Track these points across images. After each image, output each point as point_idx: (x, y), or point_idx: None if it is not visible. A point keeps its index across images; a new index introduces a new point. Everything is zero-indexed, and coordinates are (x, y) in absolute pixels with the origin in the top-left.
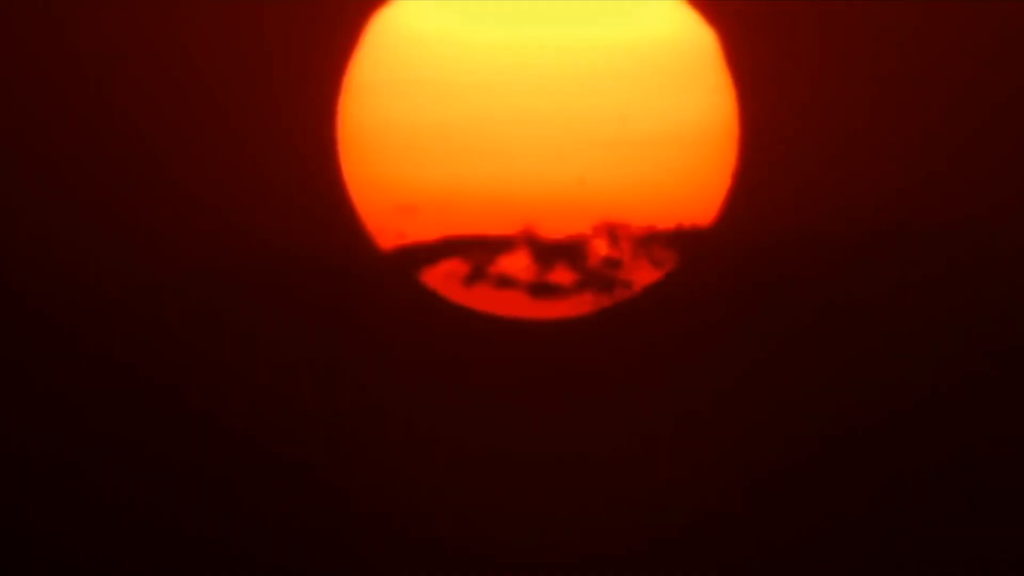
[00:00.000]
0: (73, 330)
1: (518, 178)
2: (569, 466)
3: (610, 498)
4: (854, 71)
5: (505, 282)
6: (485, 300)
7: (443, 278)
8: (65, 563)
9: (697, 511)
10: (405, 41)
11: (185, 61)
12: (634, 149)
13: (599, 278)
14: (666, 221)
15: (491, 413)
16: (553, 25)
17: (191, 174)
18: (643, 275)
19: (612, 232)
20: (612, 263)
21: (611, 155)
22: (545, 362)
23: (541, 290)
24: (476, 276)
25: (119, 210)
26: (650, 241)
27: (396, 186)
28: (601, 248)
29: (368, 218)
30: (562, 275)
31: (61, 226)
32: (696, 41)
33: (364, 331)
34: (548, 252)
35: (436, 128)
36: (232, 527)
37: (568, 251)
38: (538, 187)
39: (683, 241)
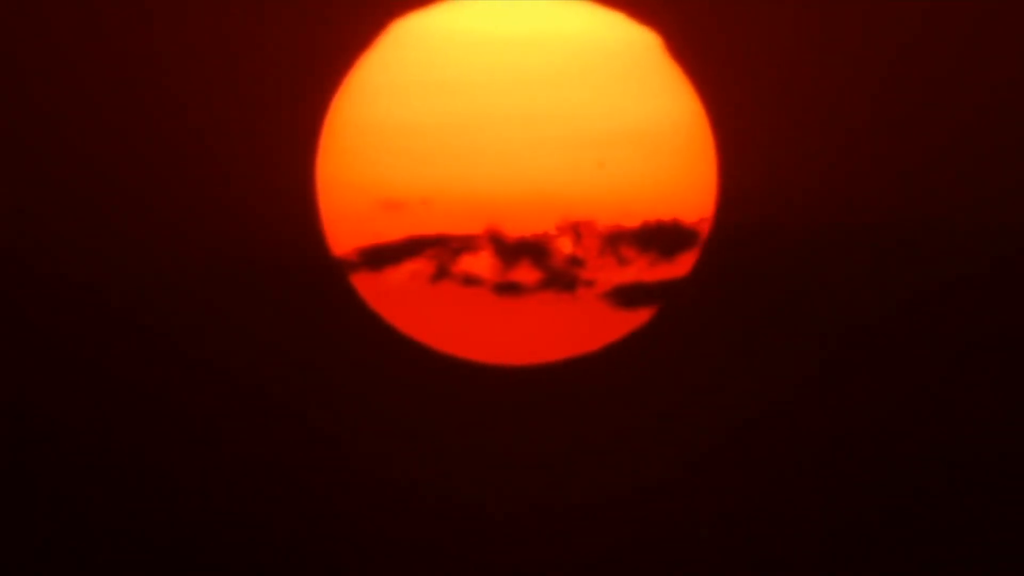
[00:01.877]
0: (33, 323)
1: (482, 177)
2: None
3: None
4: (801, 64)
5: (470, 281)
6: (450, 299)
7: (409, 277)
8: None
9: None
10: (399, 46)
11: (179, 62)
12: (599, 149)
13: (563, 276)
14: (632, 219)
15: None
16: (519, 27)
17: (169, 171)
18: (609, 274)
19: (576, 230)
20: (576, 262)
21: (576, 154)
22: (506, 402)
23: (505, 289)
24: (441, 275)
25: (112, 205)
26: (616, 239)
27: (367, 187)
28: (565, 246)
29: (341, 218)
30: (526, 273)
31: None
32: (642, 43)
33: (317, 336)
34: (512, 251)
35: (404, 129)
36: (161, 530)
37: (532, 249)
38: (502, 186)
39: (650, 239)
